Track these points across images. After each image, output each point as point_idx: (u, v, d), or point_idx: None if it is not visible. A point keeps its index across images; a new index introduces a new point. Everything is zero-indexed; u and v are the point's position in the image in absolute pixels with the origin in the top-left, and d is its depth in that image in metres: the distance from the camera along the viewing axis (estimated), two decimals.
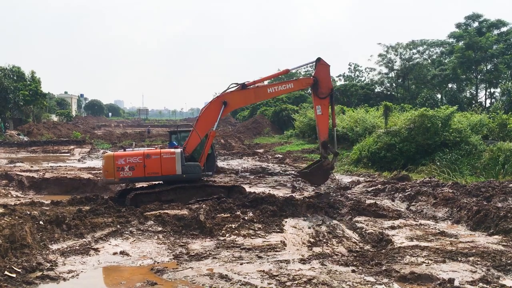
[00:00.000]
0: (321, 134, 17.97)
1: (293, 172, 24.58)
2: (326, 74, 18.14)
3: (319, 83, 17.67)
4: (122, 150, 16.48)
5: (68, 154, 37.15)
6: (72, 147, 41.80)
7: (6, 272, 8.60)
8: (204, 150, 16.55)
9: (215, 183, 18.06)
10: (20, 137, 50.09)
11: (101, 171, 16.57)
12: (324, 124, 17.96)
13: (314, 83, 17.73)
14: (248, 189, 18.49)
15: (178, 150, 16.09)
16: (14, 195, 18.17)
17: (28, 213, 12.03)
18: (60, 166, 26.69)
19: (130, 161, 15.47)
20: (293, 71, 17.54)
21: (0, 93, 51.38)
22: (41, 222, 11.58)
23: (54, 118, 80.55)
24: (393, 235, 11.64)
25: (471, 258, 9.52)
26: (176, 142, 17.51)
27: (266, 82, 18.57)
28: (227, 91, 17.15)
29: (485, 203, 14.09)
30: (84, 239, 11.34)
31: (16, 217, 11.03)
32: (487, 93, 56.06)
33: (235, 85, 17.23)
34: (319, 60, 17.86)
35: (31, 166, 26.03)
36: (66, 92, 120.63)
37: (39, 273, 8.88)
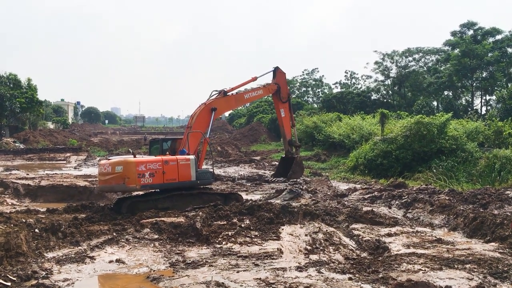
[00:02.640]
0: (286, 133, 21.21)
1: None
2: (284, 80, 21.51)
3: (280, 89, 20.73)
4: (132, 156, 15.68)
5: (64, 162, 37.07)
6: (68, 154, 41.73)
7: (1, 281, 8.53)
8: (201, 155, 16.92)
9: (211, 190, 18.05)
10: (16, 144, 49.98)
11: (99, 178, 15.85)
12: (288, 125, 21.24)
13: (277, 89, 20.67)
14: (244, 196, 18.50)
15: (192, 156, 16.03)
16: (10, 203, 18.06)
17: (24, 221, 11.99)
18: (56, 173, 26.61)
19: (151, 167, 14.94)
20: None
21: None
22: (36, 230, 11.52)
23: (51, 125, 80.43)
24: (390, 243, 11.63)
25: (468, 266, 9.51)
26: (160, 151, 16.89)
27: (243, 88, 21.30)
28: (211, 98, 18.63)
29: (481, 210, 14.13)
30: (79, 247, 11.28)
31: (12, 225, 11.00)
32: (483, 101, 56.40)
33: (216, 92, 18.99)
34: (277, 68, 21.28)
35: (27, 174, 25.93)
36: (62, 100, 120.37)
37: (34, 282, 8.81)
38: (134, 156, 15.45)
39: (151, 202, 15.51)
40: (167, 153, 16.50)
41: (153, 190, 16.18)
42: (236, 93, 19.82)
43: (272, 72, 21.42)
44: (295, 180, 19.95)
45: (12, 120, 60.30)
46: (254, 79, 20.86)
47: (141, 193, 16.73)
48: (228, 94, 19.07)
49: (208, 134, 17.83)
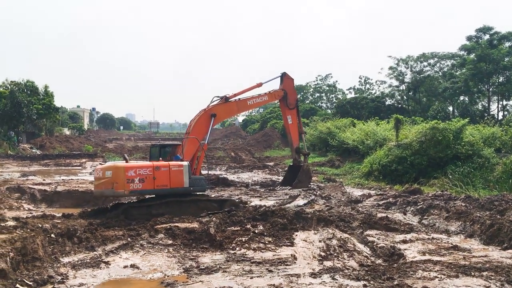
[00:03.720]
0: (294, 140, 20.94)
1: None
2: (292, 86, 21.06)
3: (287, 95, 20.29)
4: (125, 161, 15.60)
5: (80, 167, 37.43)
6: (83, 160, 42.14)
7: (17, 285, 8.64)
8: (198, 162, 16.87)
9: (206, 197, 17.70)
10: (33, 150, 50.67)
11: (94, 183, 15.68)
12: (295, 132, 20.87)
13: (283, 96, 20.27)
14: (258, 202, 18.47)
15: (186, 162, 15.93)
16: (26, 208, 18.29)
17: (40, 226, 12.12)
18: (72, 179, 26.87)
19: (141, 172, 14.80)
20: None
21: (14, 107, 52.10)
22: (52, 235, 11.65)
23: (67, 131, 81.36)
24: (405, 249, 11.52)
25: (484, 273, 9.37)
26: (160, 156, 16.89)
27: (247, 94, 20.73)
28: (212, 104, 18.41)
29: (498, 217, 13.89)
30: (95, 252, 11.37)
31: (28, 230, 11.13)
32: (500, 106, 55.67)
33: (217, 98, 18.67)
34: (284, 74, 20.80)
35: (43, 179, 26.24)
36: (78, 106, 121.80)
37: (50, 286, 8.91)
38: (127, 162, 15.34)
39: (145, 208, 15.35)
40: (160, 158, 16.35)
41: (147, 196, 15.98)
42: (239, 99, 19.55)
43: (279, 78, 21.09)
44: (306, 188, 19.65)
45: (29, 126, 61.18)
46: (260, 85, 20.41)
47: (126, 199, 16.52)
48: (230, 100, 18.86)
49: (206, 140, 17.64)
